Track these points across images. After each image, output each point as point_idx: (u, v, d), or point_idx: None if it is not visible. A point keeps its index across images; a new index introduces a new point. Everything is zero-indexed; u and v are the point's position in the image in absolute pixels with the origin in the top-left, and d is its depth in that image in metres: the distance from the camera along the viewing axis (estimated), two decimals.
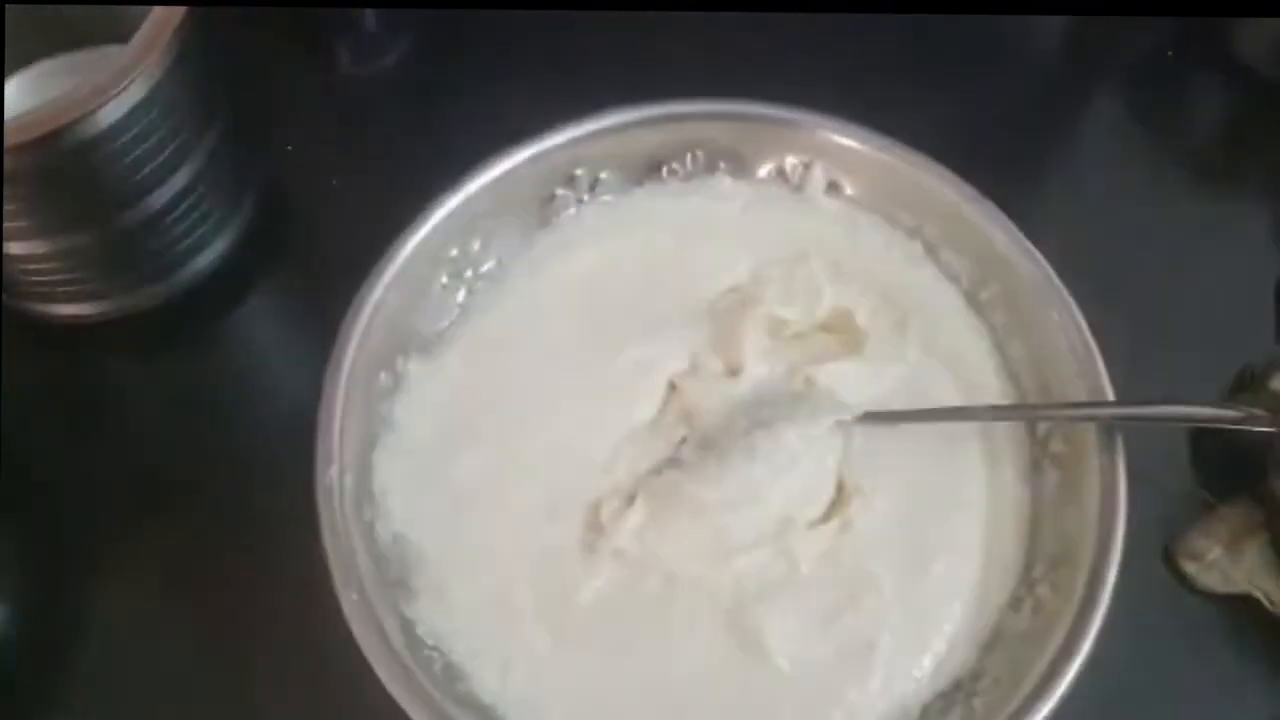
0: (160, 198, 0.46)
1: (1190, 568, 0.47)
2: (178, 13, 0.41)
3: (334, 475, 0.41)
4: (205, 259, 0.50)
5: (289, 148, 0.55)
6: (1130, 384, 0.44)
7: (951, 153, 0.48)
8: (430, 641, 0.41)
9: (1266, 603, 0.46)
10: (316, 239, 0.54)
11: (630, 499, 0.43)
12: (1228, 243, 0.56)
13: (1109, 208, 0.56)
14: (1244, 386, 0.50)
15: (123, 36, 0.42)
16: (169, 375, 0.51)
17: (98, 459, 0.49)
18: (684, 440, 0.45)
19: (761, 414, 0.43)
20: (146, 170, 0.45)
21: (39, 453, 0.48)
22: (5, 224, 0.43)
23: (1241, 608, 0.46)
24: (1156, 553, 0.47)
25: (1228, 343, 0.52)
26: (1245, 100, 0.59)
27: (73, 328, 0.50)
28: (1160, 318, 0.52)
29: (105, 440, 0.49)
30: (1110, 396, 0.43)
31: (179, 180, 0.46)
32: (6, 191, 0.41)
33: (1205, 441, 0.49)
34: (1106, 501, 0.41)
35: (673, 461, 0.44)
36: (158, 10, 0.41)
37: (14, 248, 0.45)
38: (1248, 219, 0.56)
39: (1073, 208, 0.56)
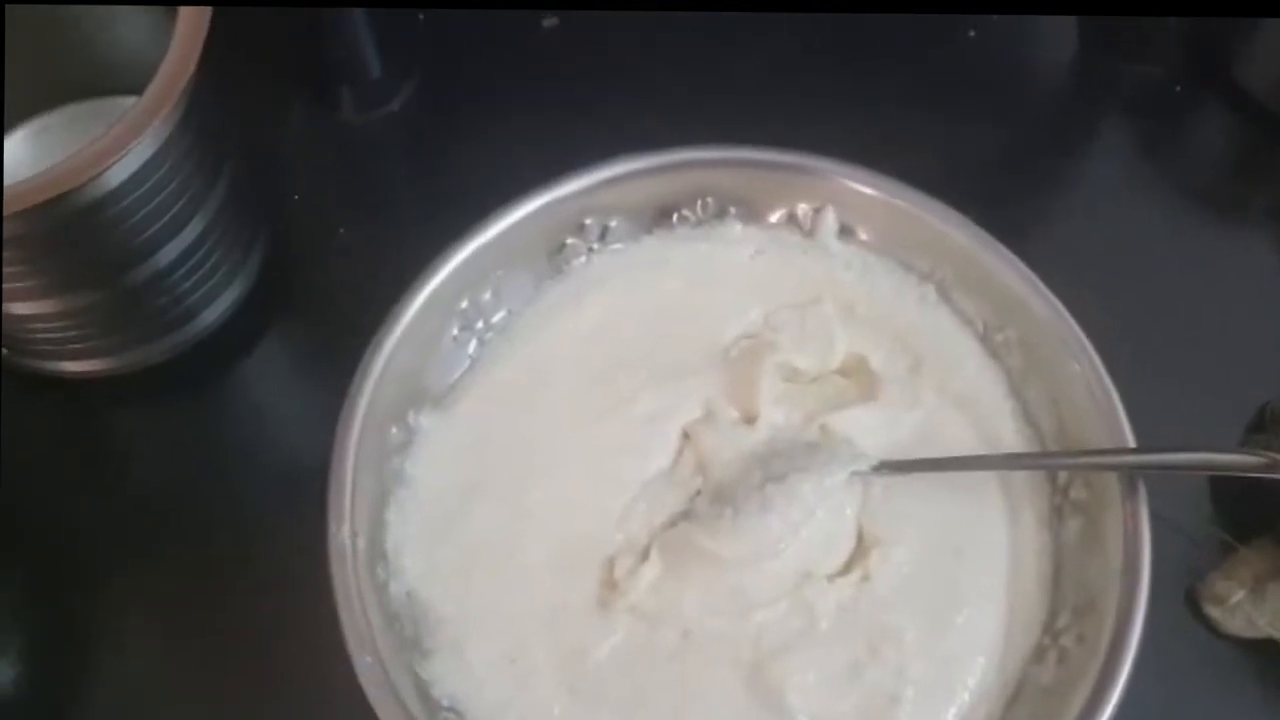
0: (169, 253, 0.46)
1: (1214, 612, 0.46)
2: (187, 68, 0.41)
3: (346, 536, 0.40)
4: (213, 313, 0.50)
5: (295, 197, 0.55)
6: (1147, 423, 0.44)
7: (959, 192, 0.48)
8: (446, 702, 0.41)
9: None
10: (325, 290, 0.53)
11: (644, 554, 0.42)
12: (1241, 276, 0.55)
13: (1120, 244, 0.55)
14: (1263, 425, 0.49)
15: (129, 87, 0.41)
16: (178, 430, 0.50)
17: (106, 515, 0.48)
18: (699, 492, 0.44)
19: (776, 466, 0.43)
20: (155, 227, 0.44)
21: (47, 509, 0.48)
22: (12, 285, 0.42)
23: (1268, 651, 0.46)
24: (1179, 596, 0.47)
25: (1246, 378, 0.51)
26: (1253, 132, 0.58)
27: (81, 384, 0.49)
28: (1177, 355, 0.52)
29: (114, 496, 0.49)
30: (1130, 442, 0.42)
31: (188, 235, 0.46)
32: (13, 253, 0.41)
33: (1225, 482, 0.49)
34: (1130, 550, 0.41)
35: (687, 514, 0.43)
36: (167, 66, 0.41)
37: (21, 307, 0.44)
38: (1260, 251, 0.56)
39: (1083, 244, 0.55)
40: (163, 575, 0.47)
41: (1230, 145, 0.59)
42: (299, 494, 0.42)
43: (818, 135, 0.49)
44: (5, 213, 0.38)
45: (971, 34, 0.61)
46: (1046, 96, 0.61)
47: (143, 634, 0.46)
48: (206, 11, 0.41)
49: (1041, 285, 0.46)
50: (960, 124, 0.58)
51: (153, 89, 0.40)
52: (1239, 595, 0.46)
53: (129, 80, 0.41)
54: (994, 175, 0.58)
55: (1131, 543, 0.41)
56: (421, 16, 0.60)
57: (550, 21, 0.60)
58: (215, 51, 0.42)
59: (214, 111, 0.45)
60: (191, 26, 0.41)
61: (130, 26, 0.47)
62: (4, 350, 0.48)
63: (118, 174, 0.40)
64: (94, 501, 0.49)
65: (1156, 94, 0.60)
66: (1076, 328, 0.44)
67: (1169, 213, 0.57)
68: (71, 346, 0.48)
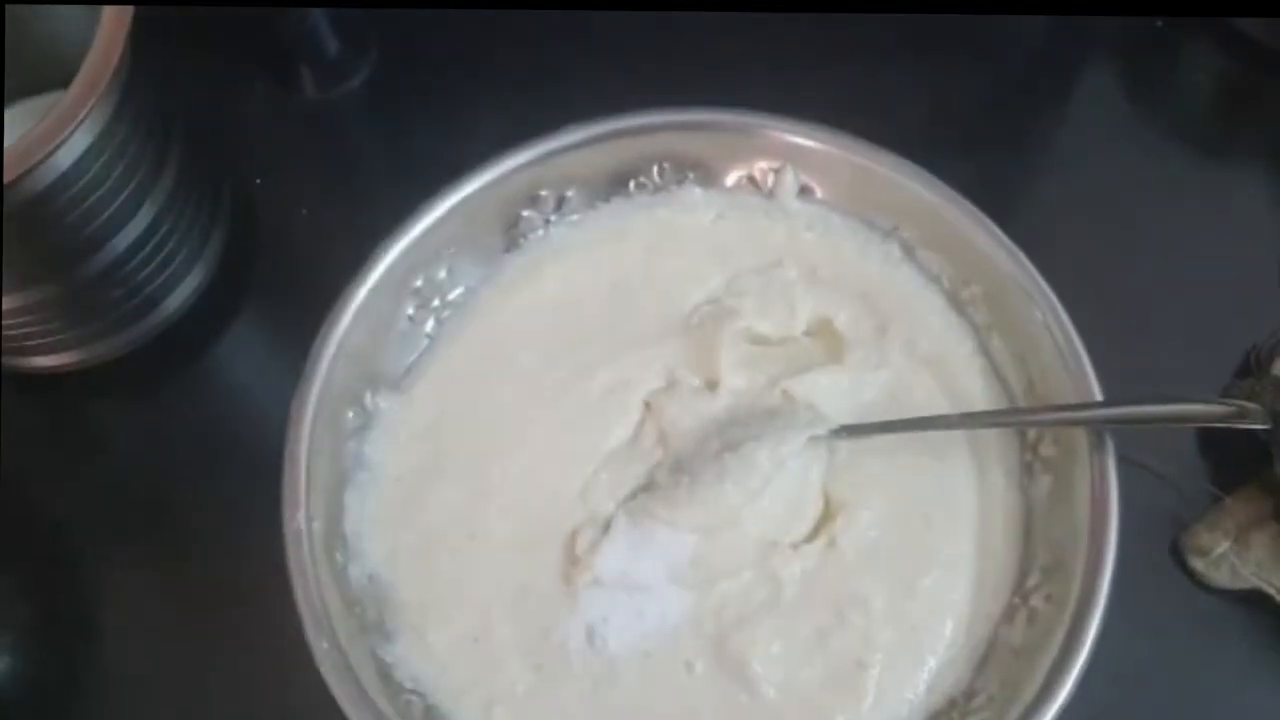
0: (121, 243, 0.45)
1: (1198, 564, 0.45)
2: (115, 52, 0.40)
3: (301, 521, 0.40)
4: (176, 300, 0.50)
5: (258, 181, 0.54)
6: (1132, 373, 0.43)
7: (935, 141, 0.47)
8: (409, 685, 0.40)
9: (1277, 596, 0.44)
10: (289, 271, 0.53)
11: (606, 527, 0.42)
12: (1227, 218, 0.54)
13: (1100, 186, 0.54)
14: (1249, 370, 0.48)
15: (65, 82, 0.41)
16: (148, 420, 0.50)
17: (78, 506, 0.49)
18: (661, 463, 0.43)
19: (733, 434, 0.42)
20: (103, 218, 0.44)
21: (20, 503, 0.48)
22: None
23: (1253, 602, 0.45)
24: (1164, 549, 0.46)
25: (1233, 323, 0.50)
26: (1239, 68, 0.56)
27: (50, 378, 0.49)
28: (1162, 301, 0.51)
29: (86, 489, 0.49)
30: (1098, 396, 0.41)
31: (138, 224, 0.46)
32: None
33: (1214, 432, 0.47)
34: (1098, 507, 0.40)
35: (648, 487, 0.43)
36: (95, 51, 0.40)
37: None
38: (1247, 192, 0.54)
39: (1062, 188, 0.54)
40: (135, 564, 0.47)
41: (1214, 80, 0.57)
42: (265, 478, 0.42)
43: (789, 94, 0.48)
44: None
45: None
46: (1024, 34, 0.59)
47: (116, 621, 0.46)
48: (129, 8, 0.40)
49: (1006, 239, 0.44)
50: (935, 72, 0.56)
51: (82, 76, 0.39)
52: (1223, 547, 0.45)
53: (70, 74, 0.41)
54: (970, 123, 0.56)
55: (1099, 500, 0.40)
56: None
57: None
58: (165, 40, 0.41)
59: (153, 99, 0.45)
60: (114, 20, 0.40)
61: (68, 21, 0.46)
62: None
63: (54, 167, 0.40)
64: (67, 494, 0.49)
65: (1137, 28, 0.57)
66: (1040, 278, 0.43)
67: (1151, 152, 0.55)
68: (36, 342, 0.48)
